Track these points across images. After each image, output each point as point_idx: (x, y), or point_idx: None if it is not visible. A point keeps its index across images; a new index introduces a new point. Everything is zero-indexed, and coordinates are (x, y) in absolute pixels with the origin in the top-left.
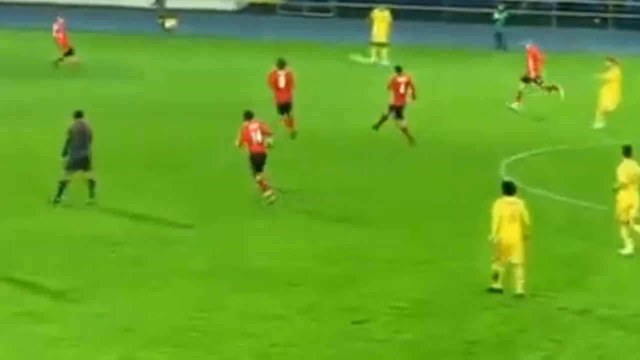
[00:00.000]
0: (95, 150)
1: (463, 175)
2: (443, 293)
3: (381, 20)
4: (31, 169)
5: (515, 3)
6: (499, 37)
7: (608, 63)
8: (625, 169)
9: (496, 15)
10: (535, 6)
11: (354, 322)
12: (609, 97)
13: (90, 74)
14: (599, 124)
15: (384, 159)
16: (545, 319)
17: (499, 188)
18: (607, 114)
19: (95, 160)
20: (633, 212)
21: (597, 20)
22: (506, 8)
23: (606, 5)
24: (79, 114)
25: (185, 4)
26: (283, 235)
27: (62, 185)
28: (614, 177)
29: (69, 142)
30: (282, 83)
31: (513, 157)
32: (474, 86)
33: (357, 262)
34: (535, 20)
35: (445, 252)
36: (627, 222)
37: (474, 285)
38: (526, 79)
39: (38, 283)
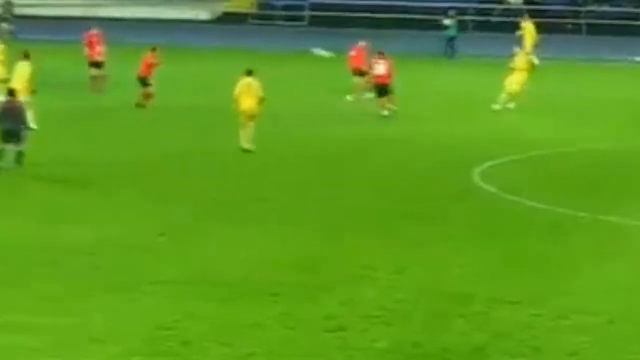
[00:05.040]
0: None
1: (437, 179)
2: (416, 300)
3: None
4: None
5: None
6: (451, 43)
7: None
8: None
9: (447, 22)
10: (506, 12)
11: (329, 331)
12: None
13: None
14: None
15: (357, 163)
16: (520, 325)
17: (471, 193)
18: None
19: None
20: None
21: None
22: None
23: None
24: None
25: (159, 14)
26: (256, 243)
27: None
28: (589, 182)
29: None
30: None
31: (488, 164)
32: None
33: (330, 269)
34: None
35: (417, 259)
36: None
37: (446, 292)
38: None
39: (9, 294)
